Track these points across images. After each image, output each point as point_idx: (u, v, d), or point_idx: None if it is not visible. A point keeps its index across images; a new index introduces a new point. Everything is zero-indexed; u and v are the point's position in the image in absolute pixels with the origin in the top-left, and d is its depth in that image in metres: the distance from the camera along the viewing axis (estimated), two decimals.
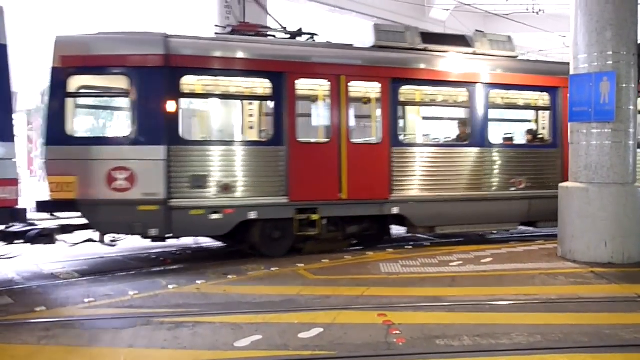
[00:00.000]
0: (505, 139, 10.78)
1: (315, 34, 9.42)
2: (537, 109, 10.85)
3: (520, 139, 11.25)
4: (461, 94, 9.80)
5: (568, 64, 7.96)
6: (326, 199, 8.49)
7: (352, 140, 8.78)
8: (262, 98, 9.13)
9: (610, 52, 7.42)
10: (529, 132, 10.85)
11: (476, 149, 9.48)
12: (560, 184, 8.03)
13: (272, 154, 8.29)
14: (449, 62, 9.43)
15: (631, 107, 7.51)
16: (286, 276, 6.92)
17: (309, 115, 9.51)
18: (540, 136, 10.70)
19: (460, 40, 9.85)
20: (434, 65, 9.28)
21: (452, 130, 10.66)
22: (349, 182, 8.57)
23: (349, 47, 9.29)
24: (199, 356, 4.18)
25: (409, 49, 9.34)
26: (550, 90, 10.04)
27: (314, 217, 8.38)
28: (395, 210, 8.88)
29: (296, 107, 8.46)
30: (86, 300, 5.84)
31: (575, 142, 7.78)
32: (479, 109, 9.52)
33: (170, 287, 6.42)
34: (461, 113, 10.53)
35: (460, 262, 7.61)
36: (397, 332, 4.63)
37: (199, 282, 6.64)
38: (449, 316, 5.17)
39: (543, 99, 10.30)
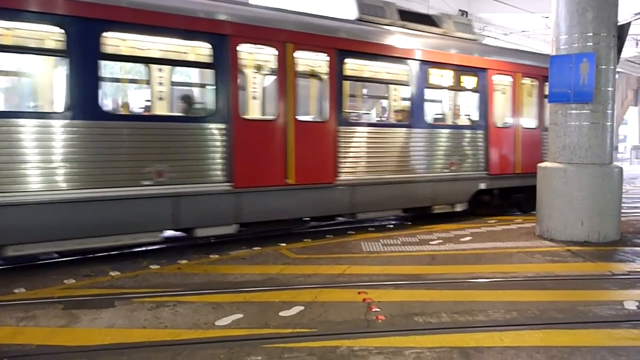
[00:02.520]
0: (145, 108, 7.58)
1: None
2: (189, 65, 7.70)
3: (170, 109, 7.93)
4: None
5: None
6: None
7: None
8: None
9: (591, 34, 7.48)
10: (184, 99, 7.66)
11: (78, 122, 6.07)
12: (539, 164, 8.13)
13: None
14: None
15: (610, 89, 7.60)
16: (268, 255, 6.95)
17: None
18: (200, 106, 7.66)
19: None
20: None
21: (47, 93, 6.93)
22: None
23: None
24: (180, 335, 4.19)
25: None
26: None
27: None
28: None
29: None
30: (66, 281, 5.82)
31: (554, 122, 7.87)
32: (83, 58, 6.11)
33: (152, 267, 6.42)
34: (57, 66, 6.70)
35: (440, 241, 7.70)
36: (377, 309, 4.70)
37: (180, 261, 6.64)
38: (428, 294, 5.24)
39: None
